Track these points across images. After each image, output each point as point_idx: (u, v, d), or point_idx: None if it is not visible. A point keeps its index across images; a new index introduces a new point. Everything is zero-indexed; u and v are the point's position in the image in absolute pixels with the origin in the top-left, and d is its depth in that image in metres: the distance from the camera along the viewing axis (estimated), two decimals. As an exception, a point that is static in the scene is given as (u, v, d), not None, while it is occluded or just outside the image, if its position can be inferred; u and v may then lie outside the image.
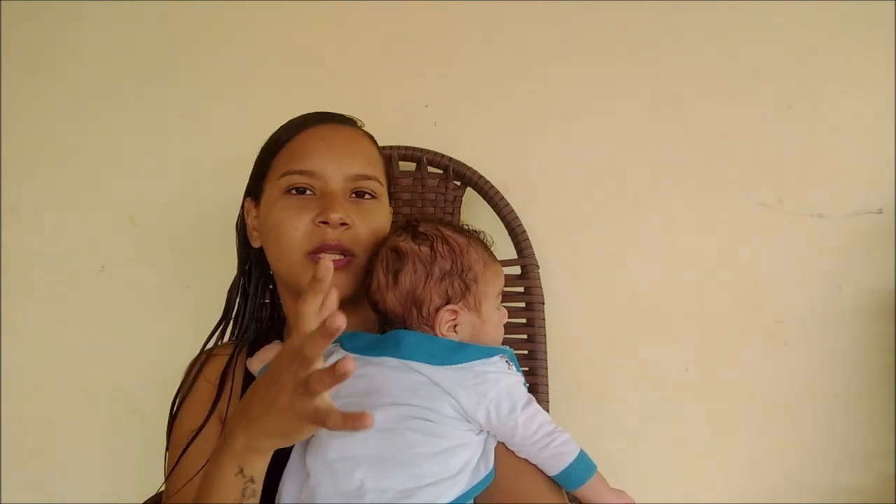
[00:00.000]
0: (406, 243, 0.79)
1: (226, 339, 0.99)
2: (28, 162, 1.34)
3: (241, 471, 0.69)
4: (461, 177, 1.20)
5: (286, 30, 1.34)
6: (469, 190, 1.21)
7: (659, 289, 1.27)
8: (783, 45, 1.28)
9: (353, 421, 0.61)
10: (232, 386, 0.90)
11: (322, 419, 0.62)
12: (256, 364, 0.87)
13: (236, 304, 0.97)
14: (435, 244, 0.78)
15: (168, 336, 1.29)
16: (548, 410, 1.14)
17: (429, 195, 1.21)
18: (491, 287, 0.80)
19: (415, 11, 1.32)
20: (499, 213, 1.19)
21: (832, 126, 1.26)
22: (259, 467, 0.70)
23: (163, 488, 0.89)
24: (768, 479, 1.25)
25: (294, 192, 0.86)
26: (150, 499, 0.98)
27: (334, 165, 0.86)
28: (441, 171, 1.21)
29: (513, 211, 1.19)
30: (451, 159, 1.20)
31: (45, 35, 1.35)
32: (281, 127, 0.92)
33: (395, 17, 1.32)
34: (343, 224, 0.82)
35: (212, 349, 0.96)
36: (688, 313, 1.26)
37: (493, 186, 1.19)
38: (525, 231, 1.18)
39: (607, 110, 1.29)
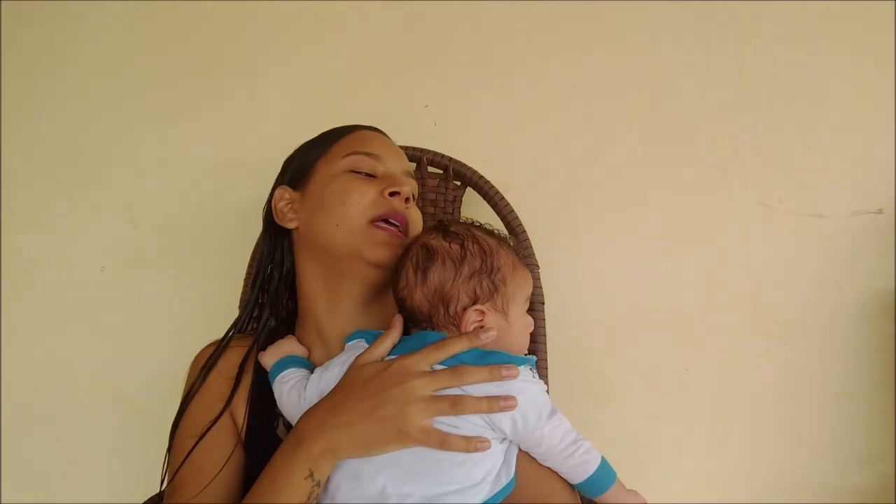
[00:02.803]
0: (437, 241, 0.78)
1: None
2: (28, 162, 1.34)
3: (312, 474, 0.70)
4: (461, 177, 1.20)
5: (286, 30, 1.34)
6: (469, 190, 1.21)
7: (659, 289, 1.27)
8: (783, 45, 1.28)
9: (477, 443, 0.67)
10: (247, 379, 0.89)
11: (441, 439, 0.68)
12: (269, 359, 0.86)
13: (255, 295, 0.96)
14: (466, 243, 0.78)
15: (168, 336, 1.29)
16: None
17: (429, 195, 1.21)
18: (519, 290, 0.79)
19: (415, 11, 1.32)
20: (499, 213, 1.18)
21: (832, 126, 1.26)
22: (328, 472, 0.72)
23: (164, 483, 0.88)
24: (768, 479, 1.25)
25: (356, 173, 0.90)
26: (150, 498, 0.98)
27: (393, 157, 0.94)
28: (441, 171, 1.21)
29: (513, 211, 1.18)
30: (451, 159, 1.20)
31: (45, 35, 1.35)
32: (329, 130, 0.98)
33: (396, 17, 1.32)
34: (407, 200, 0.89)
35: (226, 343, 0.94)
36: (688, 313, 1.26)
37: (493, 186, 1.19)
38: (525, 231, 1.18)
39: (607, 111, 1.29)
